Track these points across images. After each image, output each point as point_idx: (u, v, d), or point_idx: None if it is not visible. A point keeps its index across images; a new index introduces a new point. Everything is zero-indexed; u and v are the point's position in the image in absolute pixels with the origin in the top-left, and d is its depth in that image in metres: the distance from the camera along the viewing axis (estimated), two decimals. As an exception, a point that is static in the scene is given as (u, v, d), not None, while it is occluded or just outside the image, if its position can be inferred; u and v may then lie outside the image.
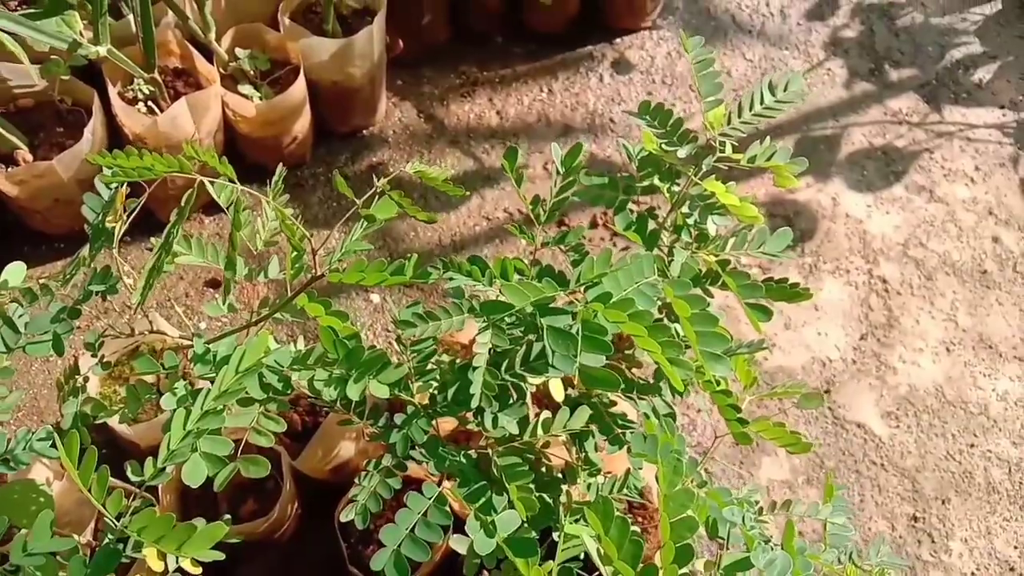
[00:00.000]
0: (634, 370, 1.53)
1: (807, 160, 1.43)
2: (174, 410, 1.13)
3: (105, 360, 1.39)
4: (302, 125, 2.18)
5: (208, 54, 2.06)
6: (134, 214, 1.34)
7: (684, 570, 1.08)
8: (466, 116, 2.54)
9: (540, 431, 1.30)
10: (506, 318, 1.20)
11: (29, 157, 1.87)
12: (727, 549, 1.18)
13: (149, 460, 1.11)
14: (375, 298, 2.29)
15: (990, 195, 2.68)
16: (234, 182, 1.09)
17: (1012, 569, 2.13)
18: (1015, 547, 2.16)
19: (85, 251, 1.39)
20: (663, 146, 1.40)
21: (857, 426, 2.26)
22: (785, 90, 1.45)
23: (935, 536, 2.15)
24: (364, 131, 2.46)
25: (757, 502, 1.41)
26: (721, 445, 2.17)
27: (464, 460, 1.26)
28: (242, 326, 1.31)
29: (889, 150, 2.74)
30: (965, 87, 2.91)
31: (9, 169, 1.85)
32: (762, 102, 1.45)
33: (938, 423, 2.30)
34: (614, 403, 1.41)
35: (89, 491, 1.01)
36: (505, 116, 2.58)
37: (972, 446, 2.28)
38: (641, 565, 1.03)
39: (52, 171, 1.83)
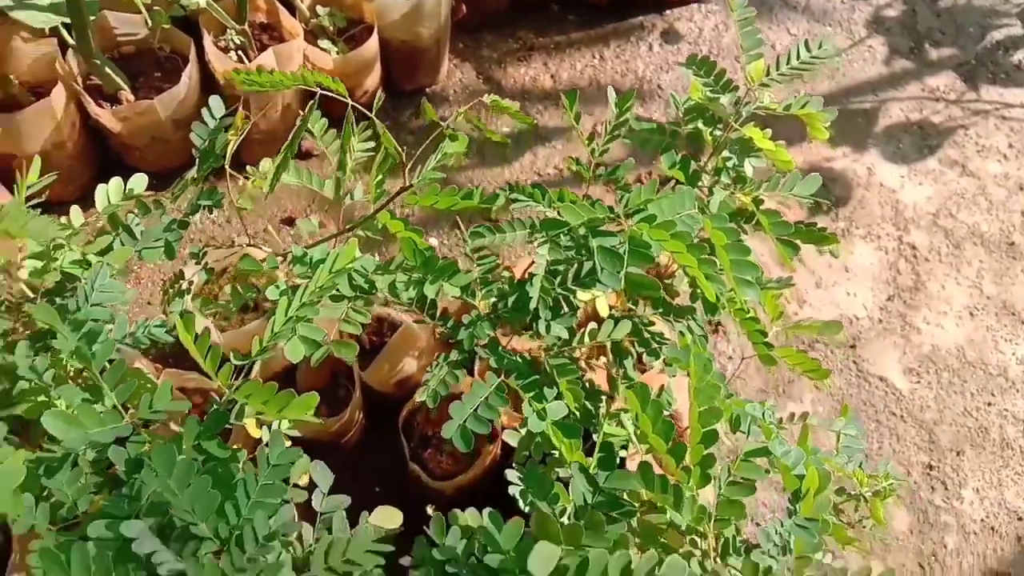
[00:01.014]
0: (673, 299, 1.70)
1: (845, 130, 1.57)
2: (277, 299, 1.33)
3: (208, 267, 1.60)
4: (373, 80, 2.37)
5: (292, 10, 2.25)
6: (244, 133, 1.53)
7: (709, 450, 1.25)
8: (522, 79, 2.72)
9: (587, 339, 1.48)
10: (561, 237, 1.38)
11: (131, 97, 2.09)
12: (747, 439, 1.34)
13: (255, 338, 1.31)
14: (433, 241, 2.47)
15: (1022, 171, 2.79)
16: (345, 99, 1.27)
17: (1021, 519, 2.27)
18: (1025, 499, 2.29)
19: (192, 172, 1.59)
20: (708, 94, 1.56)
21: (880, 379, 2.40)
22: (820, 48, 1.59)
23: (948, 484, 2.29)
24: (427, 89, 2.64)
25: (776, 414, 1.56)
26: (746, 390, 2.33)
27: (520, 360, 1.44)
28: (332, 234, 1.50)
29: (925, 125, 2.85)
30: (1004, 68, 3.00)
31: (114, 107, 2.06)
32: (798, 58, 1.60)
33: (958, 381, 2.43)
34: (652, 323, 1.58)
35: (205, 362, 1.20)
36: (558, 80, 2.74)
37: (989, 404, 2.41)
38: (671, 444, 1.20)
39: (152, 110, 2.04)
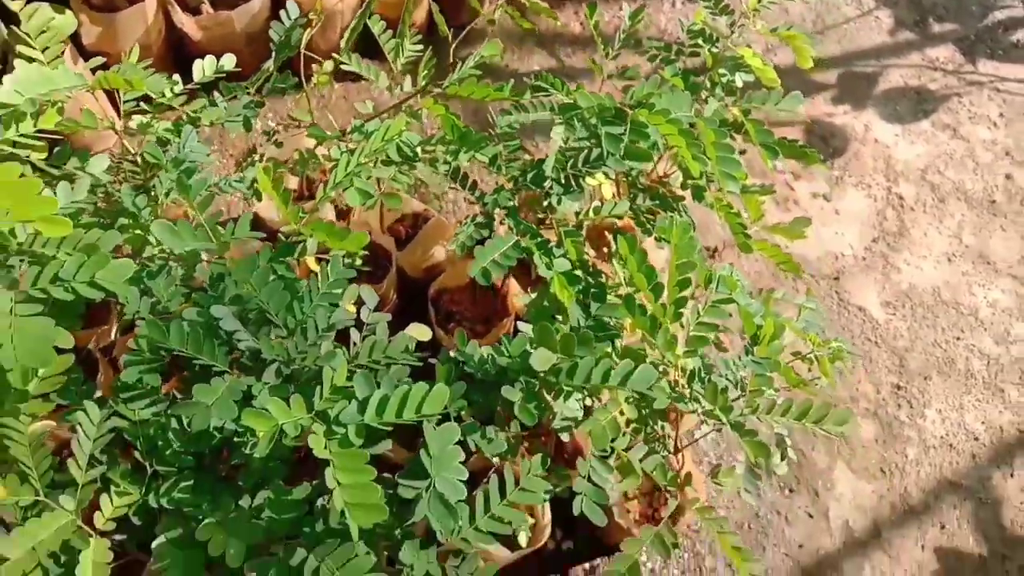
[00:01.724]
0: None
1: (846, 90, 1.84)
2: (339, 158, 1.62)
3: (277, 140, 1.90)
4: (421, 14, 2.66)
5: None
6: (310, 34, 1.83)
7: (684, 293, 1.53)
8: (554, 25, 3.00)
9: (592, 214, 1.76)
10: (575, 120, 1.66)
11: (211, 10, 2.39)
12: (715, 292, 1.61)
13: (319, 187, 1.59)
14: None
15: (1009, 139, 3.02)
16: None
17: (977, 439, 2.52)
18: (982, 423, 2.54)
19: (269, 63, 1.89)
20: (708, 17, 1.83)
21: (859, 309, 2.66)
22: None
23: (913, 404, 2.55)
24: (468, 27, 2.92)
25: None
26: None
27: (534, 226, 1.72)
28: (384, 110, 1.80)
29: (922, 91, 3.10)
30: (1002, 45, 3.24)
31: (196, 17, 2.36)
32: (788, -11, 1.85)
33: (931, 316, 2.68)
34: (651, 212, 1.86)
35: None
36: (586, 27, 3.02)
37: (958, 339, 2.66)
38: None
39: (229, 21, 2.34)
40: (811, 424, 1.54)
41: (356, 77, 2.74)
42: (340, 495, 1.19)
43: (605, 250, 2.11)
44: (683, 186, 1.81)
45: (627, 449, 1.57)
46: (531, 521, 1.92)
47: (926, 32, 3.22)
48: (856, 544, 2.32)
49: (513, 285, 2.17)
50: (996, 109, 3.08)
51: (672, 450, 1.68)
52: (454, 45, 1.87)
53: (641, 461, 1.56)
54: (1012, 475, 2.47)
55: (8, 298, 1.32)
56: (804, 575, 2.27)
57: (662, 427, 1.68)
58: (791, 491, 2.37)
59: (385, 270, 2.12)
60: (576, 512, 1.44)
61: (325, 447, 1.24)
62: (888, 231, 2.80)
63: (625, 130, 1.60)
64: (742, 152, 2.04)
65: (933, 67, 3.15)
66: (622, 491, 2.02)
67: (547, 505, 1.92)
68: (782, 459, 1.66)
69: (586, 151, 1.73)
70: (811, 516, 2.34)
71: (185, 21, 2.33)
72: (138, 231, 1.71)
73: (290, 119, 2.07)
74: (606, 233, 2.27)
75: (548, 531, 1.90)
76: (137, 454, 1.41)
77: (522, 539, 1.88)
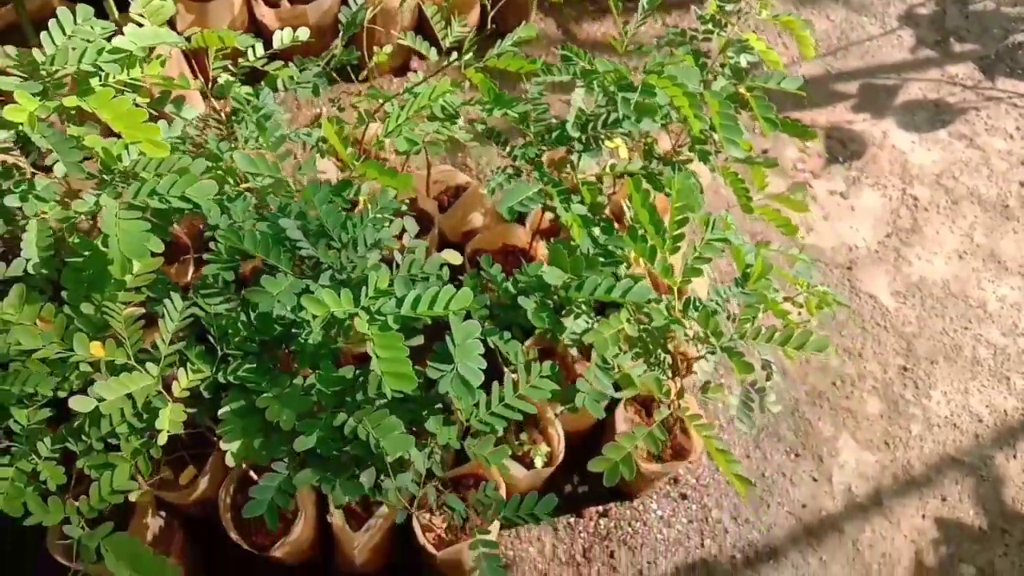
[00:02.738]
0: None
1: (867, 100, 2.07)
2: (391, 113, 1.90)
3: (340, 106, 2.19)
4: (473, 18, 2.97)
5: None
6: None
7: (681, 230, 1.75)
8: (594, 33, 3.29)
9: (609, 170, 2.00)
10: (594, 84, 1.91)
11: (288, 4, 2.73)
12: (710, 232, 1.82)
13: (375, 134, 1.87)
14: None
15: (1025, 150, 3.18)
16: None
17: (981, 421, 2.65)
18: (987, 407, 2.67)
19: (337, 42, 2.20)
20: (718, 4, 2.08)
21: (869, 296, 2.83)
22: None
23: (919, 385, 2.69)
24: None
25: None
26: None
27: (557, 180, 1.97)
28: (430, 73, 2.08)
29: (940, 104, 3.29)
30: (1021, 65, 3.41)
31: (276, 9, 2.71)
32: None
33: (939, 307, 2.83)
34: (661, 172, 2.09)
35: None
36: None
37: (966, 328, 2.80)
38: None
39: (304, 14, 2.68)
40: (793, 349, 1.73)
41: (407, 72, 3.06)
42: (378, 365, 1.43)
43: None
44: (690, 148, 2.04)
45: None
46: (546, 449, 2.14)
47: (947, 51, 3.42)
48: (858, 508, 2.47)
49: (541, 248, 2.41)
50: (1013, 123, 3.24)
51: (671, 375, 1.88)
52: (492, 23, 2.14)
53: (639, 376, 1.77)
54: (1015, 456, 2.59)
55: (115, 204, 1.62)
56: (806, 532, 2.42)
57: (663, 357, 1.89)
58: (796, 456, 2.53)
59: (428, 231, 2.39)
60: (579, 404, 1.66)
61: (368, 327, 1.49)
62: (901, 228, 2.98)
63: (637, 92, 1.86)
64: (764, 151, 2.25)
65: (952, 82, 3.34)
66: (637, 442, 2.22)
67: (561, 435, 2.13)
68: (767, 380, 1.85)
69: (604, 115, 1.99)
70: (815, 480, 2.50)
71: (265, 13, 2.67)
72: (220, 172, 2.01)
73: (352, 94, 2.36)
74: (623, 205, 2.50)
75: (560, 458, 2.11)
76: (211, 339, 1.68)
77: (538, 462, 2.09)
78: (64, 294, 1.67)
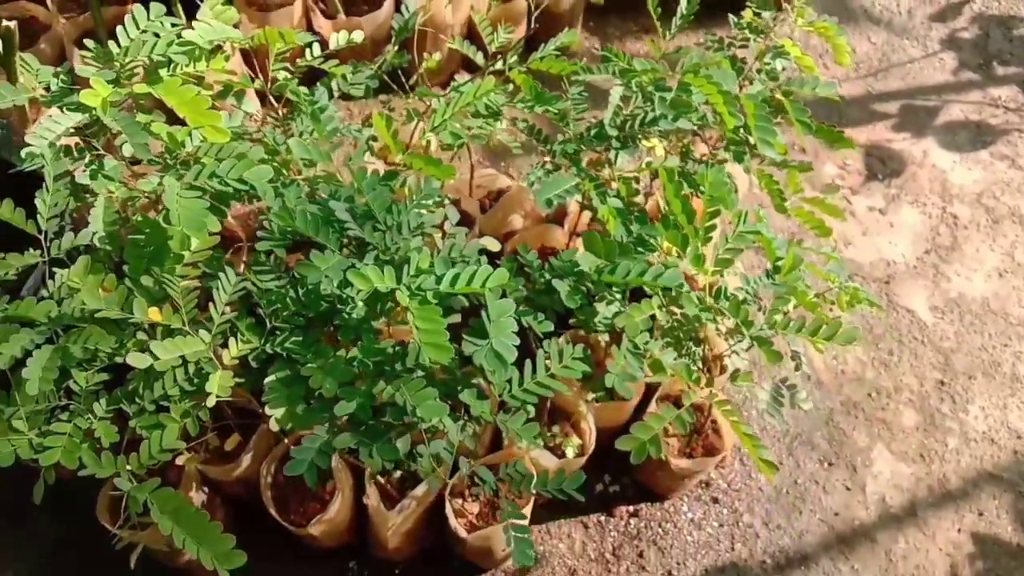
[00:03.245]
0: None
1: (907, 120, 2.11)
2: (438, 109, 1.99)
3: (390, 106, 2.30)
4: (520, 31, 3.08)
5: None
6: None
7: (713, 221, 1.81)
8: (636, 51, 3.37)
9: (644, 165, 2.07)
10: (632, 83, 1.99)
11: (344, 17, 2.87)
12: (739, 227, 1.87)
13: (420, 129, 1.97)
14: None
15: (1069, 172, 3.17)
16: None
17: (1020, 438, 2.62)
18: (1027, 423, 2.64)
19: (390, 46, 2.31)
20: (754, 12, 2.15)
21: (907, 311, 2.83)
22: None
23: (956, 399, 2.68)
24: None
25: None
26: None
27: (595, 176, 2.04)
28: (476, 74, 2.17)
29: (982, 125, 3.29)
30: (1066, 89, 3.41)
31: (332, 21, 2.85)
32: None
33: (978, 323, 2.82)
34: (695, 172, 2.15)
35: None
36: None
37: (1005, 346, 2.79)
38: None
39: (359, 25, 2.81)
40: (822, 340, 1.76)
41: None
42: (418, 336, 1.50)
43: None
44: (726, 149, 2.10)
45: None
46: (578, 441, 2.18)
47: (989, 74, 3.43)
48: (891, 519, 2.45)
49: (579, 247, 2.47)
50: (1057, 145, 3.24)
51: (701, 366, 1.92)
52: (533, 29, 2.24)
53: (670, 364, 1.81)
54: (1055, 475, 2.55)
55: (177, 184, 1.73)
56: (838, 540, 2.41)
57: (694, 349, 1.93)
58: (830, 464, 2.53)
59: (469, 232, 2.47)
60: (609, 384, 1.70)
61: (408, 301, 1.56)
62: (941, 245, 2.98)
63: (673, 91, 1.93)
64: (807, 170, 2.28)
65: (995, 104, 3.35)
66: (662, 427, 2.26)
67: (593, 428, 2.17)
68: (796, 370, 1.87)
69: (642, 114, 2.06)
70: (848, 489, 2.49)
71: (323, 24, 2.81)
72: (276, 164, 2.12)
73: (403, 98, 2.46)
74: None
75: (591, 448, 2.14)
76: (261, 313, 1.77)
77: (569, 452, 2.13)
78: (126, 268, 1.78)
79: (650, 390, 2.33)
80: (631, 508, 2.41)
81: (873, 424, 2.60)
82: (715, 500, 2.44)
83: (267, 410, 1.65)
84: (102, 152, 1.92)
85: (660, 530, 2.38)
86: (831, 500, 2.47)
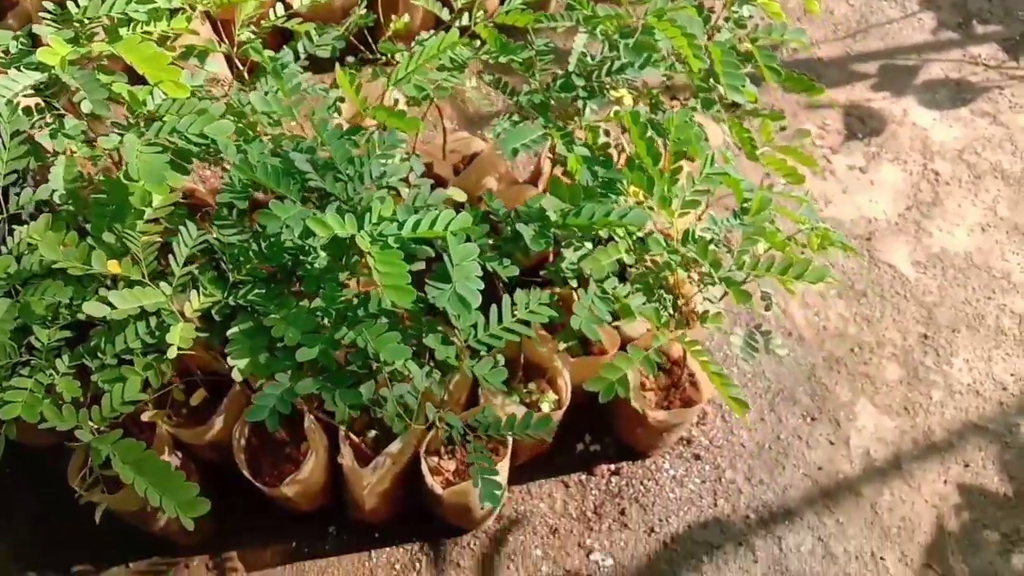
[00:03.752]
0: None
1: (887, 79, 2.09)
2: (402, 62, 1.98)
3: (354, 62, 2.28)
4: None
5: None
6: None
7: (679, 163, 1.79)
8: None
9: (612, 115, 2.05)
10: (597, 30, 1.97)
11: None
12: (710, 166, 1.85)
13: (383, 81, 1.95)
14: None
15: (1051, 126, 3.15)
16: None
17: (1005, 389, 2.60)
18: (1011, 375, 2.62)
19: (356, 8, 2.29)
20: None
21: (889, 266, 2.81)
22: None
23: (940, 352, 2.66)
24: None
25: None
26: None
27: (561, 126, 2.02)
28: (441, 27, 2.15)
29: (962, 83, 3.27)
30: (1047, 45, 3.39)
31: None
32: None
33: (961, 277, 2.80)
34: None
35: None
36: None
37: (989, 299, 2.77)
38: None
39: (329, -3, 2.81)
40: (792, 279, 1.74)
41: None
42: (378, 279, 1.48)
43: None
44: (694, 97, 2.08)
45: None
46: (553, 396, 2.16)
47: (969, 33, 3.41)
48: (876, 472, 2.43)
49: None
50: (1038, 101, 3.22)
51: (673, 313, 1.89)
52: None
53: (638, 307, 1.79)
54: (1041, 425, 2.53)
55: (138, 140, 1.71)
56: (823, 494, 2.39)
57: (665, 297, 1.91)
58: (812, 419, 2.51)
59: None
60: (575, 327, 1.68)
61: (369, 246, 1.55)
62: (922, 201, 2.96)
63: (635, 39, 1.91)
64: (782, 129, 2.25)
65: (975, 62, 3.33)
66: (638, 382, 2.24)
67: (568, 383, 2.15)
68: (767, 310, 1.85)
69: (608, 63, 2.04)
70: (832, 443, 2.47)
71: (292, -7, 2.80)
72: (240, 125, 2.10)
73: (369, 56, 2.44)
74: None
75: (567, 403, 2.12)
76: (224, 266, 1.75)
77: (544, 407, 2.12)
78: (88, 227, 1.76)
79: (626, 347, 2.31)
80: (612, 467, 2.39)
81: (856, 379, 2.58)
82: (697, 457, 2.42)
83: (230, 361, 1.63)
84: (62, 112, 1.91)
85: (642, 487, 2.36)
86: (814, 454, 2.45)
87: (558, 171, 2.45)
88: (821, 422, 2.50)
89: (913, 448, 2.48)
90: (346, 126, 2.36)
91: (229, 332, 1.67)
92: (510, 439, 2.05)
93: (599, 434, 2.43)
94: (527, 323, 1.73)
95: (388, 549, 2.24)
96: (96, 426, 1.61)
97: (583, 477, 2.37)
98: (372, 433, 2.08)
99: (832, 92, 3.23)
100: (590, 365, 2.22)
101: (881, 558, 2.29)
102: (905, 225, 2.90)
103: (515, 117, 2.05)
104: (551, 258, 2.24)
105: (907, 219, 2.92)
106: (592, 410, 2.26)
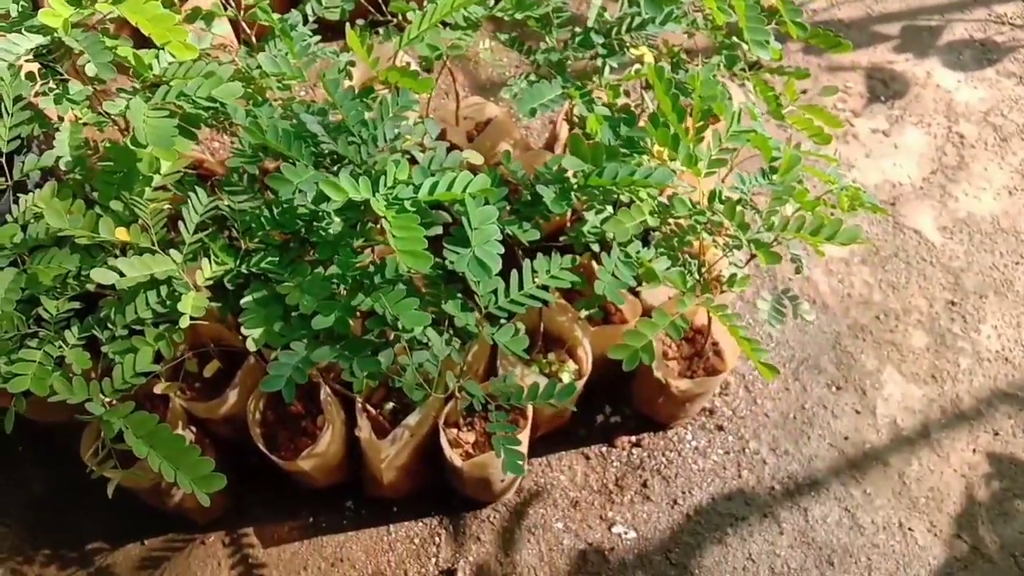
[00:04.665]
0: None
1: (909, 41, 2.00)
2: (414, 20, 1.91)
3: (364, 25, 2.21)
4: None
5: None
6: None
7: (704, 121, 1.72)
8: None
9: (633, 74, 1.98)
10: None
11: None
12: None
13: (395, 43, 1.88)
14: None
15: (1079, 87, 3.06)
16: None
17: (1035, 356, 2.54)
18: (1042, 341, 2.56)
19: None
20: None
21: (914, 231, 2.74)
22: None
23: (968, 319, 2.59)
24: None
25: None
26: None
27: (580, 85, 1.95)
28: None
29: (987, 43, 3.18)
30: (1074, 3, 3.29)
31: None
32: None
33: (988, 242, 2.73)
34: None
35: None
36: None
37: (1017, 263, 2.69)
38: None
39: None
40: (823, 240, 1.67)
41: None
42: (394, 244, 1.43)
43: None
44: (717, 53, 2.01)
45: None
46: (574, 366, 2.11)
47: (994, -9, 3.32)
48: (904, 441, 2.38)
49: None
50: (1066, 61, 3.12)
51: (698, 276, 1.83)
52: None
53: (663, 271, 1.73)
54: (1073, 392, 2.47)
55: (145, 104, 1.66)
56: (849, 464, 2.33)
57: (690, 263, 1.85)
58: (838, 388, 2.45)
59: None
60: (599, 291, 1.63)
61: (384, 210, 1.49)
62: (947, 165, 2.88)
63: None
64: (803, 92, 2.17)
65: (1001, 22, 3.23)
66: (662, 352, 2.18)
67: (590, 353, 2.10)
68: (797, 272, 1.79)
69: (628, 19, 1.97)
70: (858, 412, 2.41)
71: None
72: (249, 90, 2.04)
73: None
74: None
75: (588, 372, 2.07)
76: (235, 232, 1.70)
77: (565, 378, 2.06)
78: (95, 196, 1.71)
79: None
80: (633, 438, 2.34)
81: (882, 347, 2.52)
82: (720, 428, 2.37)
83: (244, 330, 1.58)
84: (66, 77, 1.85)
85: (664, 459, 2.31)
86: (840, 424, 2.39)
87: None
88: (847, 391, 2.44)
89: (941, 417, 2.42)
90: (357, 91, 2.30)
91: (243, 301, 1.61)
92: (531, 410, 2.00)
93: (619, 405, 2.38)
94: (547, 290, 1.68)
95: (407, 523, 2.20)
96: (108, 399, 1.56)
97: (604, 449, 2.33)
98: (389, 405, 2.03)
99: (854, 54, 3.15)
100: (611, 334, 2.16)
101: (909, 529, 2.24)
102: (930, 189, 2.83)
103: (532, 77, 1.98)
104: (568, 225, 2.18)
105: (932, 183, 2.84)
106: (613, 381, 2.21)
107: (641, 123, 2.28)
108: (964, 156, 2.90)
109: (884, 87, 3.04)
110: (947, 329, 2.56)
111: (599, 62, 1.96)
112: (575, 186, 1.69)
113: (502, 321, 1.66)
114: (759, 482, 2.29)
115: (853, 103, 3.00)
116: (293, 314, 1.59)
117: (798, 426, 2.39)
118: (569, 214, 2.34)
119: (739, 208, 1.69)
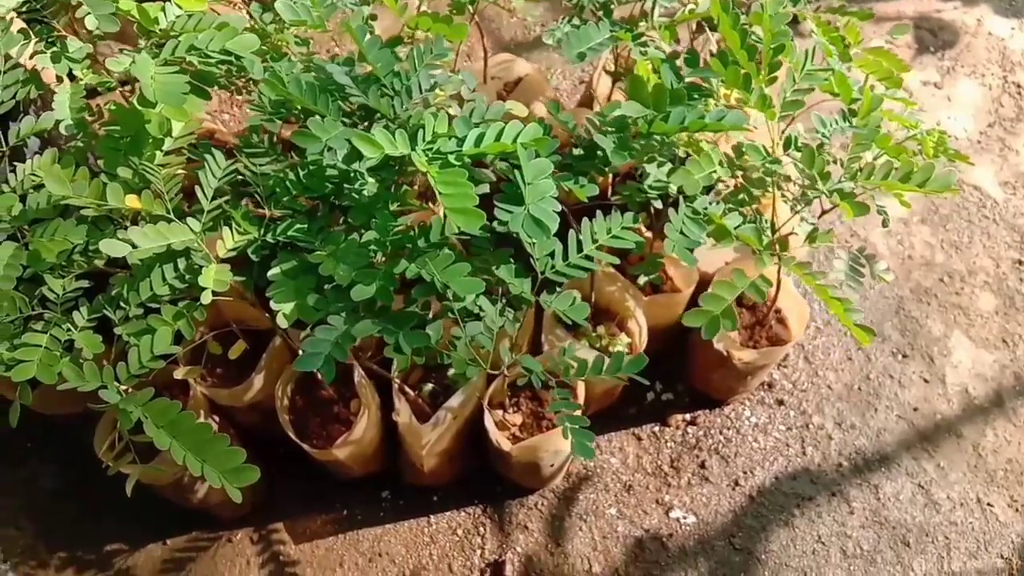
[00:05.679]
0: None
1: None
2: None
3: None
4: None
5: None
6: None
7: (777, 58, 1.54)
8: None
9: (688, 12, 1.80)
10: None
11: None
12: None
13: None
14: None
15: None
16: None
17: (1112, 316, 2.36)
18: (1118, 300, 2.38)
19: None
20: None
21: (974, 188, 2.56)
22: None
23: (1038, 279, 2.41)
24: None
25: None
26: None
27: (630, 27, 1.77)
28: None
29: (1041, -13, 2.99)
30: None
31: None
32: None
33: (1055, 197, 2.55)
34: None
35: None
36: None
37: (1087, 219, 2.52)
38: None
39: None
40: (914, 188, 1.50)
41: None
42: (443, 202, 1.26)
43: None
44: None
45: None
46: (626, 339, 1.94)
47: (1044, -67, 3.12)
48: (976, 411, 2.21)
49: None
50: (1125, 3, 2.93)
51: (771, 233, 1.66)
52: None
53: (736, 228, 1.55)
54: None
55: (152, 61, 1.48)
56: (920, 437, 2.17)
57: (760, 218, 1.68)
58: (904, 356, 2.28)
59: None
60: (669, 251, 1.45)
61: (427, 165, 1.31)
62: (1005, 117, 2.70)
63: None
64: (847, 46, 2.00)
65: (1052, -36, 3.04)
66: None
67: (643, 325, 1.93)
68: (884, 226, 1.62)
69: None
70: (926, 381, 2.24)
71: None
72: (265, 48, 1.86)
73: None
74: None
75: (642, 346, 1.90)
76: (257, 198, 1.52)
77: (618, 351, 1.89)
78: (100, 163, 1.54)
79: (702, 286, 2.09)
80: (687, 416, 2.17)
81: (948, 311, 2.35)
82: (780, 402, 2.20)
83: (274, 305, 1.41)
84: (64, 34, 1.67)
85: (722, 438, 2.14)
86: (908, 394, 2.22)
87: (617, 91, 2.21)
88: (913, 359, 2.27)
89: (1015, 383, 2.25)
90: (382, 44, 2.12)
91: (270, 273, 1.44)
92: (582, 387, 1.83)
93: (671, 381, 2.22)
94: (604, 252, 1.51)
95: (448, 513, 2.03)
96: (123, 386, 1.39)
97: (656, 429, 2.16)
98: (428, 386, 1.87)
99: (899, 4, 2.96)
100: (665, 303, 1.99)
101: (988, 504, 2.08)
102: (988, 143, 2.64)
103: (574, 21, 1.80)
104: (610, 188, 2.01)
105: (990, 137, 2.66)
106: (663, 355, 2.04)
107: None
108: (1023, 107, 2.71)
109: (933, 37, 2.85)
110: (1016, 290, 2.39)
111: (648, 4, 1.77)
112: (638, 134, 1.51)
113: (557, 288, 1.49)
114: (825, 459, 2.13)
115: (901, 55, 2.81)
116: (327, 286, 1.42)
117: (864, 398, 2.22)
118: (611, 177, 2.16)
119: (819, 156, 1.52)
